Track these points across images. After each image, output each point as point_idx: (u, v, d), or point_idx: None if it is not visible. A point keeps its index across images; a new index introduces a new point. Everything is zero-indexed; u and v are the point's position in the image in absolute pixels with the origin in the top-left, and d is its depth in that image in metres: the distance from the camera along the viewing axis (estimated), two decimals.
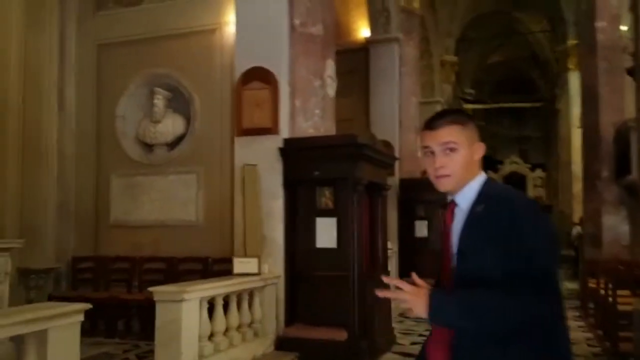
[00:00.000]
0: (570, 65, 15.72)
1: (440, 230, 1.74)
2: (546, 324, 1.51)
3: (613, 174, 9.94)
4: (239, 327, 5.01)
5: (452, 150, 1.63)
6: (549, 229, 1.59)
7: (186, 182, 6.20)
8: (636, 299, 5.52)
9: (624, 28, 10.07)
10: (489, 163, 30.86)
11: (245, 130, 5.67)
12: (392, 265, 10.25)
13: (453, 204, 1.68)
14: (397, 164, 10.91)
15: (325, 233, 5.66)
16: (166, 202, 6.26)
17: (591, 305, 8.37)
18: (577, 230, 14.24)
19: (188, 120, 6.34)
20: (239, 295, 5.08)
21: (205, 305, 4.48)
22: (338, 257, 5.54)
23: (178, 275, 6.17)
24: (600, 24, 10.02)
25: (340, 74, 12.03)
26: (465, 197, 1.66)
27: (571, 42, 15.22)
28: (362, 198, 5.70)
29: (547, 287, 1.49)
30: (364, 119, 11.42)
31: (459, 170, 1.64)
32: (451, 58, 16.83)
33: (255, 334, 5.26)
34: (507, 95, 21.19)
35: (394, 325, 7.28)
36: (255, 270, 5.24)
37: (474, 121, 1.71)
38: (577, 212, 15.29)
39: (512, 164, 28.81)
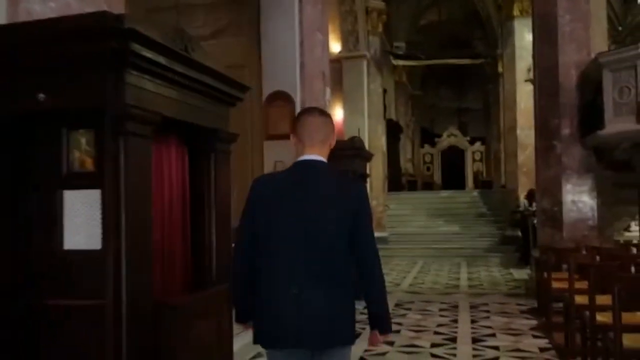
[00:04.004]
0: (516, 12, 13.39)
1: None
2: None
3: (577, 131, 7.60)
4: None
5: None
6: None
7: None
8: None
9: None
10: (426, 136, 28.78)
11: None
12: None
13: None
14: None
15: (81, 221, 2.85)
16: None
17: (557, 306, 5.98)
18: (524, 205, 12.05)
19: None
20: None
21: None
22: (102, 268, 2.76)
23: None
24: None
25: (223, 4, 9.27)
26: None
27: None
28: (149, 152, 2.91)
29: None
30: (258, 65, 8.67)
31: None
32: (378, 4, 14.11)
33: None
34: (445, 54, 18.87)
35: None
36: None
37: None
38: (524, 185, 13.16)
39: (451, 137, 26.92)
